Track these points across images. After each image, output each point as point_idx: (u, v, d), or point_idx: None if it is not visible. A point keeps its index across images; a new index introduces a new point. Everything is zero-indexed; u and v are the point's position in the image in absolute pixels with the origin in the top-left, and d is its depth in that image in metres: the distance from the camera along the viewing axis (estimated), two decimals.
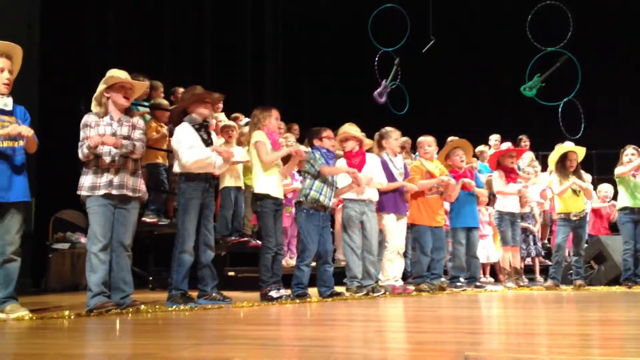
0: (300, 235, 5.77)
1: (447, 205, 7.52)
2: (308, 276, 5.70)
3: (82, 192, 4.36)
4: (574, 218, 7.55)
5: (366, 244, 6.22)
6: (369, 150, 6.59)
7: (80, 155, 4.36)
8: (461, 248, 7.28)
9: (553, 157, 7.69)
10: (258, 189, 5.54)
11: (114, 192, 4.35)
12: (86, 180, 4.37)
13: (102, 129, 4.40)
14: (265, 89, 12.05)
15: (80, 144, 4.37)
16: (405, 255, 6.93)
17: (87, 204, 4.38)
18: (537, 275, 9.15)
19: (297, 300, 5.43)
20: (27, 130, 4.10)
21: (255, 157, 5.54)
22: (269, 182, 5.52)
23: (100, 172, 4.35)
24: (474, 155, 8.82)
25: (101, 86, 4.45)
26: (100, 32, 9.03)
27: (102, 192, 4.32)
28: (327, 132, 5.96)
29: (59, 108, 7.31)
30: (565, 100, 9.51)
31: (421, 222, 6.91)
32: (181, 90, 6.69)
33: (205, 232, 5.00)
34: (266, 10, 12.38)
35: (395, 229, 6.57)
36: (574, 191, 7.56)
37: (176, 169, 5.02)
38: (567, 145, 7.92)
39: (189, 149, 4.88)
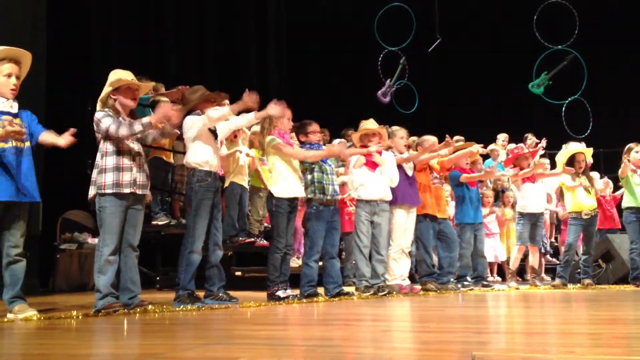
0: (308, 231, 5.78)
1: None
2: (317, 272, 5.72)
3: (106, 190, 4.24)
4: (586, 217, 7.52)
5: (375, 242, 6.22)
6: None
7: (124, 131, 4.22)
8: (469, 247, 7.27)
9: (561, 159, 7.65)
10: (278, 194, 5.46)
11: (139, 191, 4.36)
12: (107, 177, 4.26)
13: None
14: (269, 89, 12.06)
15: (112, 125, 4.23)
16: (410, 253, 6.91)
17: (101, 203, 4.27)
18: (544, 274, 9.12)
19: (304, 300, 5.44)
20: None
21: (276, 161, 5.51)
22: (290, 185, 5.50)
23: (122, 170, 4.29)
24: (482, 155, 8.77)
25: (107, 88, 4.41)
26: (105, 33, 9.05)
27: (127, 190, 4.28)
28: (313, 127, 5.91)
29: (65, 109, 7.33)
30: (571, 99, 9.50)
31: (424, 211, 6.83)
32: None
33: (214, 232, 5.02)
34: (269, 9, 12.39)
35: (404, 226, 6.55)
36: (586, 189, 7.53)
37: (188, 160, 5.01)
38: (575, 147, 7.86)
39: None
